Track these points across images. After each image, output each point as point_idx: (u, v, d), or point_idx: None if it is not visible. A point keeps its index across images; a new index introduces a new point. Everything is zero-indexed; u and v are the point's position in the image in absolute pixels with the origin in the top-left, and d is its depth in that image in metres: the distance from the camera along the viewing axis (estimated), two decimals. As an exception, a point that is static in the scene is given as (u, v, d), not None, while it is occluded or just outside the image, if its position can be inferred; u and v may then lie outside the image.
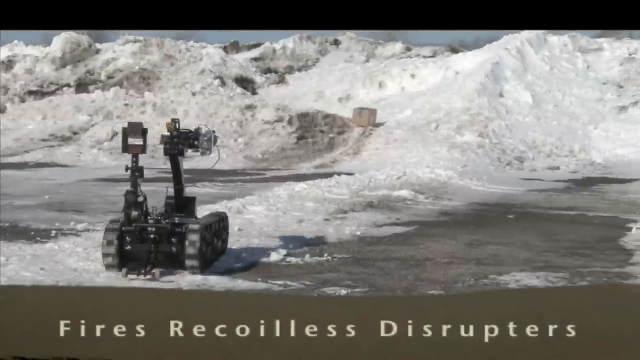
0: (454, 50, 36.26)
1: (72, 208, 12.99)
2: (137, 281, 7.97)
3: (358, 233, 11.24)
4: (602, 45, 31.65)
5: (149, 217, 8.39)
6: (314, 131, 25.06)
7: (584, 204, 15.34)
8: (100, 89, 28.34)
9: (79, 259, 8.87)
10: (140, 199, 8.36)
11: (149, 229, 8.28)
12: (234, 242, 9.93)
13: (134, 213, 8.31)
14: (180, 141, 8.49)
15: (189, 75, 30.78)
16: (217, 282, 8.14)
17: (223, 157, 21.77)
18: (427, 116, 25.53)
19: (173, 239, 8.31)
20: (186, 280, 8.13)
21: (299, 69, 35.24)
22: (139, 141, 8.29)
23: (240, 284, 8.10)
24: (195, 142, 8.53)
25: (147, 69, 31.01)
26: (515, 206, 14.94)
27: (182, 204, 8.68)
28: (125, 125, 8.46)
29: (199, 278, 8.19)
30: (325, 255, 9.56)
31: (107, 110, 25.82)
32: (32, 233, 10.50)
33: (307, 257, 9.37)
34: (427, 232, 11.52)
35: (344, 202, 14.02)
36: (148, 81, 30.28)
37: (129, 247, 8.26)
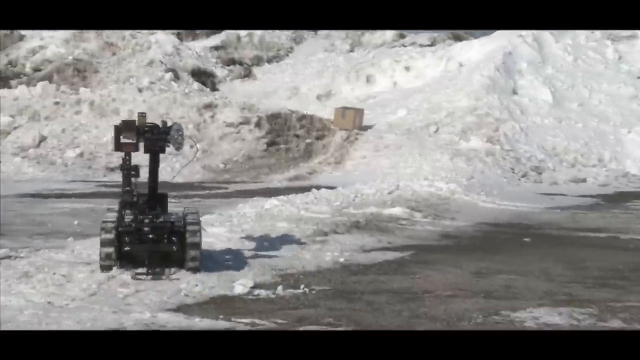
0: (458, 38, 36.46)
1: (-10, 230, 12.91)
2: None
3: (341, 260, 11.24)
4: (637, 33, 31.88)
5: (142, 217, 9.74)
6: (287, 136, 25.08)
7: (616, 224, 15.41)
8: (24, 84, 28.22)
9: (-2, 292, 8.79)
10: (135, 198, 9.68)
11: (146, 228, 9.67)
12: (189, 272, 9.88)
13: (131, 213, 9.68)
14: (160, 137, 9.67)
15: (134, 68, 30.75)
16: (169, 320, 8.09)
17: (176, 166, 21.74)
18: (425, 117, 25.62)
19: (173, 238, 9.73)
20: (131, 318, 8.09)
21: (269, 60, 35.31)
22: (132, 139, 9.53)
23: (198, 322, 8.06)
24: (167, 137, 9.73)
25: (82, 60, 30.95)
26: (533, 227, 14.98)
27: (155, 201, 10.02)
28: (113, 123, 9.93)
29: (146, 316, 8.15)
30: (302, 286, 9.54)
31: (33, 110, 25.71)
32: (-60, 261, 10.40)
33: (279, 290, 9.35)
34: (425, 259, 11.53)
35: (324, 222, 14.01)
36: (84, 75, 30.22)
37: (127, 248, 9.64)
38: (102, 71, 30.53)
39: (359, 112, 25.65)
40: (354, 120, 25.20)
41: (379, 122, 25.93)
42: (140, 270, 9.51)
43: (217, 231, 12.46)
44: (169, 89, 28.35)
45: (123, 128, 9.58)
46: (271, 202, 15.17)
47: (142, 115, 9.74)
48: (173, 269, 9.64)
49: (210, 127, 25.11)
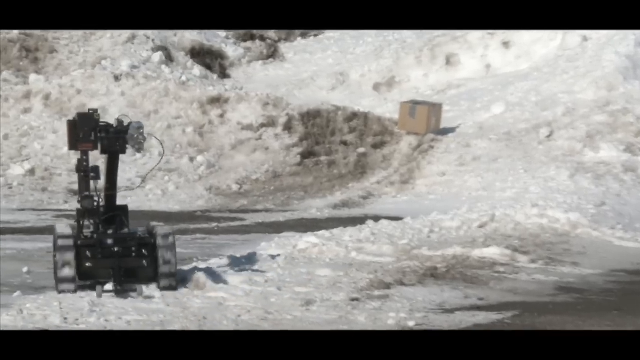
0: (580, 0, 36.41)
1: None
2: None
3: (411, 324, 11.25)
4: None
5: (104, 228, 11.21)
6: (330, 143, 25.11)
7: None
8: (-49, 70, 28.52)
9: None
10: (96, 205, 11.26)
11: (110, 241, 11.29)
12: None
13: (92, 223, 11.27)
14: (119, 136, 11.10)
15: (108, 46, 30.96)
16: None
17: (170, 189, 21.88)
18: (533, 116, 25.58)
19: (144, 251, 11.39)
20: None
21: (303, 34, 35.43)
22: (90, 136, 11.18)
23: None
24: (125, 136, 11.23)
25: (33, 36, 31.22)
26: (694, 276, 14.93)
27: (114, 214, 11.48)
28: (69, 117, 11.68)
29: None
30: (354, 363, 9.56)
31: (-37, 108, 25.99)
32: None
33: (321, 367, 9.38)
34: (535, 323, 11.52)
35: (385, 268, 14.01)
36: (35, 56, 30.47)
37: (89, 264, 11.24)
38: (61, 51, 30.76)
39: (436, 109, 25.65)
40: (428, 121, 25.21)
41: (465, 123, 25.91)
42: (107, 288, 10.89)
43: (230, 282, 12.49)
44: (159, 75, 28.50)
45: (79, 123, 11.19)
46: (308, 240, 15.18)
47: (93, 112, 11.30)
48: (145, 286, 10.98)
49: (218, 131, 25.21)
